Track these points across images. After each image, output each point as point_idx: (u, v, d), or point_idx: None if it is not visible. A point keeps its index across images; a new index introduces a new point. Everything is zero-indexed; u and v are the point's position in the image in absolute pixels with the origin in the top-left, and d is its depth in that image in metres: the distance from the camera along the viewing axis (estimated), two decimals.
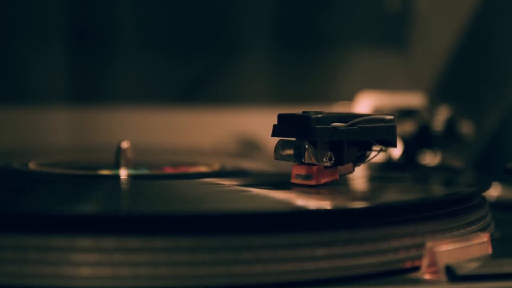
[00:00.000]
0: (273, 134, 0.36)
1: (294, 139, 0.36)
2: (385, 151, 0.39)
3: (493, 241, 0.34)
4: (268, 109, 0.69)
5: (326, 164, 0.36)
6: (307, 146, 0.36)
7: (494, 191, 0.50)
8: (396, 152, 0.56)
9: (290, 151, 0.36)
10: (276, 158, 0.37)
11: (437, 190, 0.42)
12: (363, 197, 0.38)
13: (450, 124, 0.58)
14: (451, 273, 0.30)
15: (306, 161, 0.36)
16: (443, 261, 0.31)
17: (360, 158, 0.38)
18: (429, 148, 0.57)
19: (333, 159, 0.36)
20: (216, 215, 0.30)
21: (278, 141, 0.37)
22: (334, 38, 0.74)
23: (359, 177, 0.42)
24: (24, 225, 0.29)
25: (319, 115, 0.35)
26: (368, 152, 0.38)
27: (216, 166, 0.47)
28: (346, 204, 0.34)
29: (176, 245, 0.28)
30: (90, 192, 0.36)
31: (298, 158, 0.36)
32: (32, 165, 0.46)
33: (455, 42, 0.68)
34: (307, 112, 0.36)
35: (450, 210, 0.34)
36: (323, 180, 0.36)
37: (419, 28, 0.73)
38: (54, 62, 0.69)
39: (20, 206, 0.32)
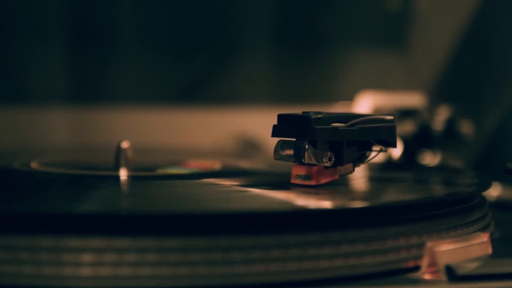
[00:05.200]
0: (273, 135, 0.36)
1: (294, 139, 0.36)
2: (385, 151, 0.39)
3: (493, 241, 0.35)
4: (268, 109, 0.69)
5: (326, 164, 0.36)
6: (307, 146, 0.35)
7: (494, 191, 0.50)
8: (396, 152, 0.56)
9: (290, 151, 0.36)
10: (276, 159, 0.37)
11: (437, 190, 0.42)
12: (363, 197, 0.38)
13: (450, 124, 0.58)
14: (451, 273, 0.30)
15: (306, 161, 0.36)
16: (443, 261, 0.31)
17: (360, 158, 0.38)
18: (429, 148, 0.57)
19: (333, 159, 0.36)
20: (212, 215, 0.30)
21: (278, 141, 0.37)
22: (334, 38, 0.74)
23: (359, 177, 0.42)
24: (22, 225, 0.29)
25: (319, 115, 0.35)
26: (368, 152, 0.38)
27: (216, 166, 0.47)
28: (346, 204, 0.34)
29: (167, 245, 0.28)
30: (90, 192, 0.36)
31: (298, 158, 0.36)
32: (32, 165, 0.46)
33: (455, 42, 0.68)
34: (307, 112, 0.36)
35: (450, 210, 0.34)
36: (323, 181, 0.36)
37: (419, 28, 0.73)
38: (54, 62, 0.69)
39: (20, 206, 0.32)
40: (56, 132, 0.68)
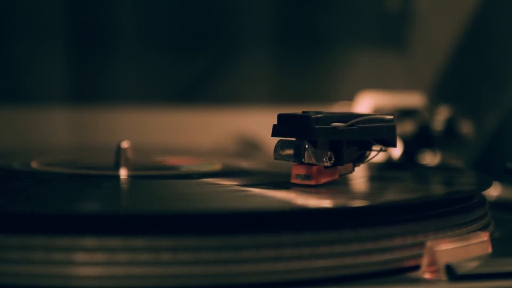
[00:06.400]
0: (273, 134, 0.36)
1: (294, 139, 0.36)
2: (385, 151, 0.39)
3: (493, 240, 0.35)
4: (268, 109, 0.69)
5: (325, 164, 0.36)
6: (306, 146, 0.35)
7: (494, 191, 0.50)
8: (396, 152, 0.56)
9: (289, 151, 0.36)
10: (276, 158, 0.37)
11: (437, 189, 0.42)
12: (363, 196, 0.38)
13: (450, 124, 0.58)
14: (451, 272, 0.30)
15: (306, 161, 0.36)
16: (443, 260, 0.31)
17: (360, 158, 0.38)
18: (429, 148, 0.57)
19: (333, 159, 0.36)
20: (212, 215, 0.30)
21: (278, 141, 0.37)
22: (334, 38, 0.74)
23: (359, 176, 0.42)
24: (23, 225, 0.29)
25: (319, 115, 0.35)
26: (368, 152, 0.38)
27: (216, 166, 0.47)
28: (346, 204, 0.34)
29: (160, 245, 0.28)
30: (90, 192, 0.36)
31: (298, 158, 0.36)
32: (32, 165, 0.46)
33: (455, 42, 0.68)
34: (307, 112, 0.36)
35: (450, 209, 0.34)
36: (322, 180, 0.36)
37: (419, 28, 0.73)
38: (54, 62, 0.69)
39: (19, 206, 0.32)
40: (56, 132, 0.68)
